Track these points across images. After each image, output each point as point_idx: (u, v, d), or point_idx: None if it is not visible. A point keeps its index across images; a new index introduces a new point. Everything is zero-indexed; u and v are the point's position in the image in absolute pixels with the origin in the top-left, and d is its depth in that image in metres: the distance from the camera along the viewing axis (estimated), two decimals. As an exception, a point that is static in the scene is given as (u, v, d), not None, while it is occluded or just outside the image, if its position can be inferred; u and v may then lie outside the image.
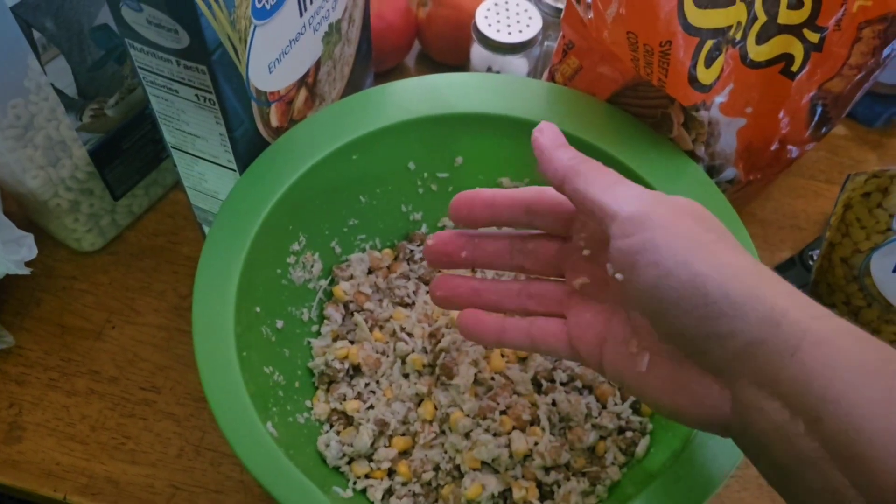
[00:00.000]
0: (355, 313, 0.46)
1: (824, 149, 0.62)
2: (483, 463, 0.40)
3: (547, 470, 0.40)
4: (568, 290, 0.37)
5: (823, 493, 0.25)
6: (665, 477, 0.35)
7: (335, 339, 0.46)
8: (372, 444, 0.41)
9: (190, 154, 0.44)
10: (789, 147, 0.47)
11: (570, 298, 0.37)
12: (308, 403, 0.44)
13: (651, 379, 0.32)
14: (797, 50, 0.43)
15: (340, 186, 0.45)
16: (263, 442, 0.36)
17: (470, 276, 0.40)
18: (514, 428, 0.41)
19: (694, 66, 0.39)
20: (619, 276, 0.30)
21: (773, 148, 0.46)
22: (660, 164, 0.42)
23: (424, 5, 0.63)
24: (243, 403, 0.36)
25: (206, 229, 0.50)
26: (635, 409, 0.42)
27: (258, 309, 0.41)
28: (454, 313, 0.44)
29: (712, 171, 0.46)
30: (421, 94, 0.45)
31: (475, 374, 0.41)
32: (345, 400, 0.43)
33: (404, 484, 0.41)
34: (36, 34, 0.42)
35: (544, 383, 0.42)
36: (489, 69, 0.58)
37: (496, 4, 0.57)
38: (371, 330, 0.45)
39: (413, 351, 0.43)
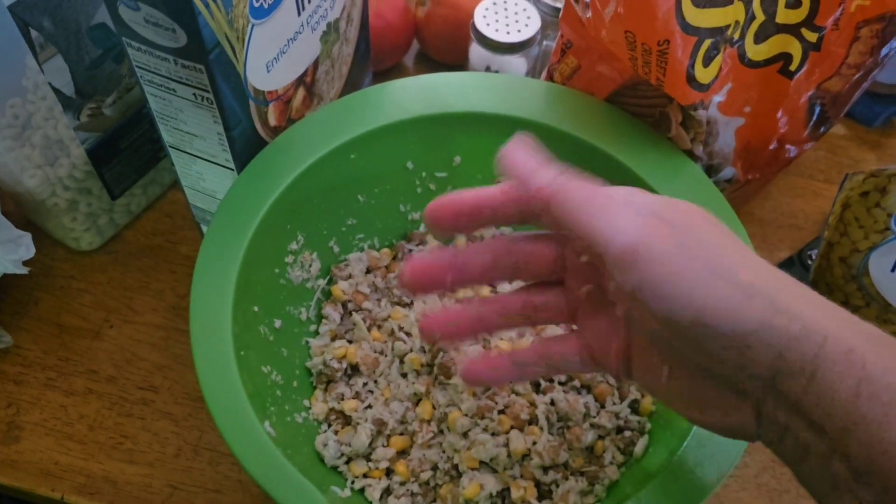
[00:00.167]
0: (353, 313, 0.46)
1: (823, 148, 0.62)
2: (481, 462, 0.40)
3: (545, 469, 0.40)
4: (573, 296, 0.34)
5: None
6: (663, 476, 0.35)
7: (333, 339, 0.45)
8: (370, 444, 0.41)
9: (188, 153, 0.44)
10: (788, 146, 0.47)
11: (579, 306, 0.34)
12: (306, 403, 0.43)
13: (674, 390, 0.30)
14: (795, 49, 0.43)
15: (338, 186, 0.45)
16: (261, 442, 0.36)
17: (465, 304, 0.35)
18: (512, 427, 0.41)
19: (692, 65, 0.39)
20: (619, 311, 0.29)
21: (771, 147, 0.46)
22: (658, 164, 0.42)
23: (423, 4, 0.63)
24: (241, 403, 0.36)
25: (205, 228, 0.50)
26: (634, 409, 0.42)
27: (256, 308, 0.41)
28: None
29: (711, 171, 0.46)
30: (419, 94, 0.45)
31: (473, 374, 0.41)
32: (343, 399, 0.43)
33: (402, 483, 0.41)
34: (33, 33, 0.42)
35: (543, 383, 0.42)
36: (488, 68, 0.58)
37: (495, 4, 0.57)
38: (369, 329, 0.45)
39: (411, 350, 0.43)
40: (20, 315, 0.53)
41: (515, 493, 0.39)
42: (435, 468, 0.41)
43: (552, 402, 0.42)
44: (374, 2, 0.56)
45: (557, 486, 0.40)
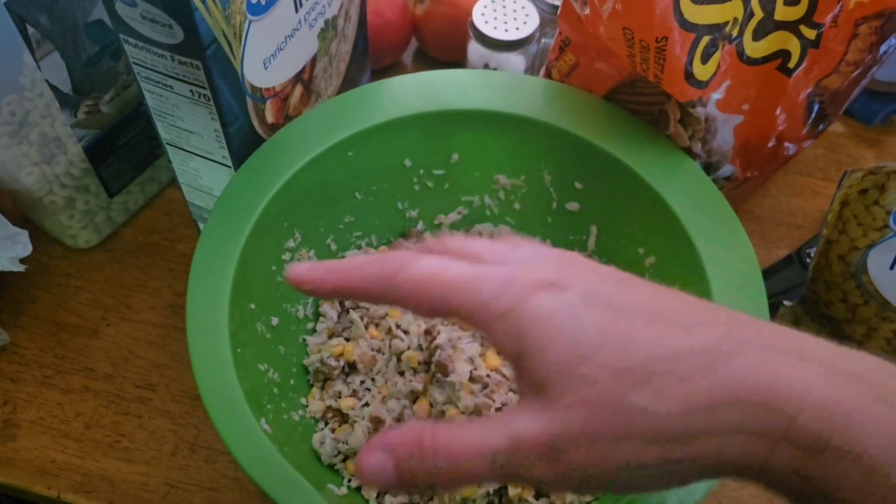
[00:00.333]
0: (351, 310, 0.46)
1: (822, 146, 0.62)
2: (478, 460, 0.40)
3: (543, 467, 0.40)
4: None
5: None
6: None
7: (330, 337, 0.45)
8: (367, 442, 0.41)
9: (185, 150, 0.44)
10: (786, 144, 0.47)
11: None
12: (303, 401, 0.43)
13: None
14: (794, 46, 0.43)
15: (336, 183, 0.45)
16: (258, 439, 0.36)
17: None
18: (509, 425, 0.40)
19: (690, 62, 0.39)
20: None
21: (770, 145, 0.46)
22: (656, 161, 0.42)
23: (421, 2, 0.62)
24: (237, 401, 0.36)
25: (202, 226, 0.50)
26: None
27: (253, 306, 0.41)
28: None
29: (709, 168, 0.46)
30: (417, 91, 0.45)
31: (471, 372, 0.41)
32: (340, 397, 0.43)
33: (400, 481, 0.41)
34: (30, 29, 0.42)
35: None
36: (486, 66, 0.58)
37: (493, 1, 0.57)
38: (366, 327, 0.45)
39: (409, 348, 0.43)
40: (17, 313, 0.53)
41: (513, 491, 0.39)
42: (432, 466, 0.41)
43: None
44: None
45: (555, 484, 0.40)
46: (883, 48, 0.43)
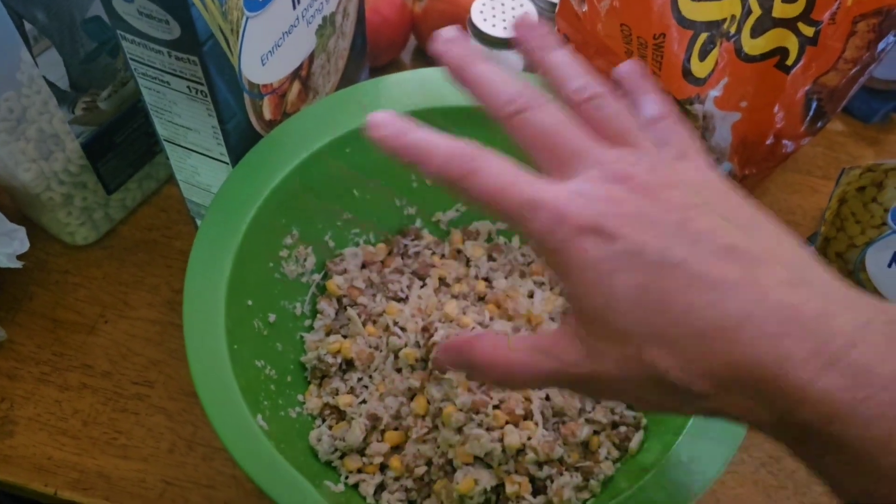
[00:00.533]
0: (348, 308, 0.46)
1: (821, 144, 0.62)
2: (476, 457, 0.40)
3: (540, 465, 0.40)
4: None
5: None
6: (658, 472, 0.35)
7: (328, 334, 0.45)
8: (364, 439, 0.41)
9: (182, 147, 0.44)
10: (784, 142, 0.47)
11: None
12: (300, 398, 0.43)
13: None
14: (792, 44, 0.43)
15: (334, 180, 0.45)
16: (254, 436, 0.36)
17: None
18: (507, 422, 0.40)
19: (688, 58, 0.39)
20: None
21: (768, 142, 0.46)
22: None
23: (420, 0, 0.62)
24: (234, 397, 0.36)
25: (200, 223, 0.50)
26: (629, 404, 0.42)
27: (250, 302, 0.41)
28: (448, 308, 0.44)
29: (707, 166, 0.46)
30: (415, 87, 0.45)
31: (468, 369, 0.41)
32: (337, 394, 0.43)
33: (397, 479, 0.41)
34: (27, 25, 0.42)
35: (538, 378, 0.42)
36: (484, 64, 0.57)
37: (492, -1, 0.57)
38: (364, 324, 0.45)
39: (406, 345, 0.43)
40: (14, 310, 0.52)
41: (510, 489, 0.39)
42: (429, 463, 0.41)
43: (547, 397, 0.41)
44: (370, -3, 0.56)
45: (552, 481, 0.40)
46: (881, 45, 0.43)
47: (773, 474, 0.47)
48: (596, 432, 0.41)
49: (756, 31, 0.42)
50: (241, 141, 0.42)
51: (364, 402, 0.43)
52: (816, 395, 0.23)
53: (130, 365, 0.50)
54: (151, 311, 0.53)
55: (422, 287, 0.46)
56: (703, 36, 0.39)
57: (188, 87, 0.39)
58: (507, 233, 0.49)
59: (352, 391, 0.43)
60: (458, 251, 0.48)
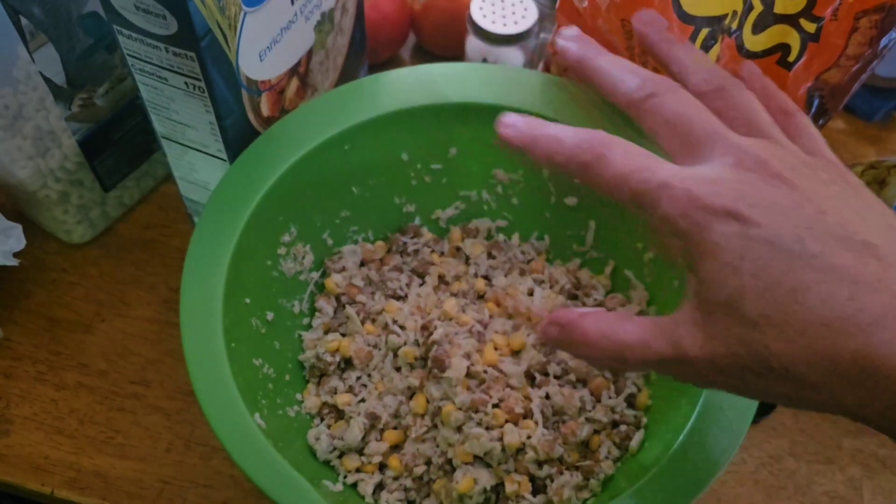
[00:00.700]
0: (347, 306, 0.45)
1: (822, 143, 0.61)
2: (475, 457, 0.40)
3: (540, 464, 0.40)
4: None
5: None
6: (659, 471, 0.35)
7: (326, 332, 0.45)
8: (363, 438, 0.41)
9: (180, 144, 0.43)
10: (786, 139, 0.46)
11: None
12: (298, 397, 0.43)
13: None
14: (794, 40, 0.42)
15: (332, 177, 0.45)
16: (252, 435, 0.35)
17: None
18: (506, 421, 0.40)
19: (689, 54, 0.39)
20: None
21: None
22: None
23: (419, -3, 0.62)
24: (232, 396, 0.36)
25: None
26: (630, 403, 0.42)
27: (248, 300, 0.41)
28: (447, 306, 0.43)
29: (708, 163, 0.45)
30: (414, 84, 0.45)
31: (468, 367, 0.41)
32: (336, 393, 0.43)
33: (395, 478, 0.40)
34: (23, 21, 0.42)
35: (538, 376, 0.42)
36: (484, 61, 0.57)
37: (491, -4, 0.56)
38: (363, 323, 0.44)
39: (405, 344, 0.43)
40: (11, 308, 0.52)
41: (509, 488, 0.39)
42: (428, 462, 0.41)
43: (547, 396, 0.41)
44: (369, -7, 0.56)
45: (552, 480, 0.39)
46: (883, 42, 0.43)
47: (774, 474, 0.47)
48: (596, 431, 0.41)
49: (758, 27, 0.42)
50: (238, 137, 0.42)
51: (363, 400, 0.42)
52: None
53: (127, 364, 0.50)
54: (149, 310, 0.52)
55: (421, 285, 0.46)
56: (705, 31, 0.39)
57: (185, 83, 0.39)
58: (507, 230, 0.49)
59: (350, 390, 0.43)
60: (458, 249, 0.48)
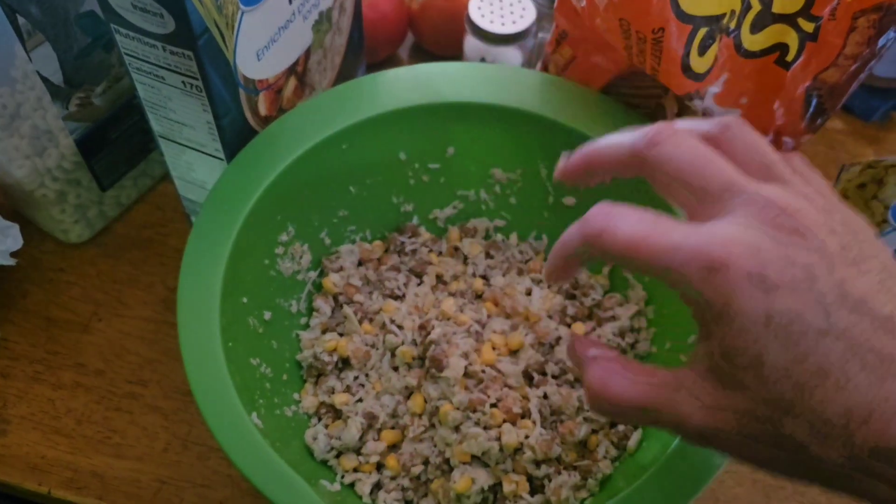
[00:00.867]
0: (345, 305, 0.45)
1: (821, 143, 0.61)
2: (473, 456, 0.40)
3: (538, 463, 0.39)
4: None
5: None
6: (657, 471, 0.35)
7: (324, 332, 0.45)
8: (360, 438, 0.41)
9: (177, 143, 0.43)
10: (785, 139, 0.46)
11: None
12: (296, 396, 0.43)
13: None
14: (792, 39, 0.42)
15: (330, 177, 0.44)
16: (249, 434, 0.35)
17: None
18: (504, 421, 0.40)
19: (687, 53, 0.39)
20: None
21: (768, 139, 0.46)
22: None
23: (417, -3, 0.62)
24: (229, 395, 0.36)
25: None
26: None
27: (245, 300, 0.41)
28: (444, 306, 0.43)
29: (706, 163, 0.45)
30: (412, 84, 0.45)
31: (465, 367, 0.41)
32: (333, 393, 0.43)
33: (393, 478, 0.40)
34: (20, 20, 0.42)
35: (535, 376, 0.42)
36: (482, 60, 0.57)
37: (489, -5, 0.56)
38: (360, 322, 0.44)
39: (403, 343, 0.43)
40: (8, 307, 0.52)
41: (507, 488, 0.39)
42: (426, 462, 0.40)
43: (545, 396, 0.41)
44: (367, -7, 0.56)
45: (550, 480, 0.39)
46: (881, 41, 0.43)
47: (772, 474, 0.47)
48: (594, 431, 0.41)
49: (756, 27, 0.42)
50: (236, 137, 0.42)
51: (360, 400, 0.42)
52: None
53: (125, 363, 0.50)
54: (146, 310, 0.52)
55: (419, 285, 0.46)
56: (703, 30, 0.39)
57: (183, 81, 0.39)
58: (505, 230, 0.49)
59: (348, 389, 0.43)
60: (456, 248, 0.48)
